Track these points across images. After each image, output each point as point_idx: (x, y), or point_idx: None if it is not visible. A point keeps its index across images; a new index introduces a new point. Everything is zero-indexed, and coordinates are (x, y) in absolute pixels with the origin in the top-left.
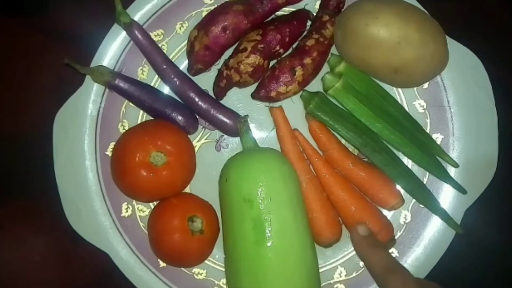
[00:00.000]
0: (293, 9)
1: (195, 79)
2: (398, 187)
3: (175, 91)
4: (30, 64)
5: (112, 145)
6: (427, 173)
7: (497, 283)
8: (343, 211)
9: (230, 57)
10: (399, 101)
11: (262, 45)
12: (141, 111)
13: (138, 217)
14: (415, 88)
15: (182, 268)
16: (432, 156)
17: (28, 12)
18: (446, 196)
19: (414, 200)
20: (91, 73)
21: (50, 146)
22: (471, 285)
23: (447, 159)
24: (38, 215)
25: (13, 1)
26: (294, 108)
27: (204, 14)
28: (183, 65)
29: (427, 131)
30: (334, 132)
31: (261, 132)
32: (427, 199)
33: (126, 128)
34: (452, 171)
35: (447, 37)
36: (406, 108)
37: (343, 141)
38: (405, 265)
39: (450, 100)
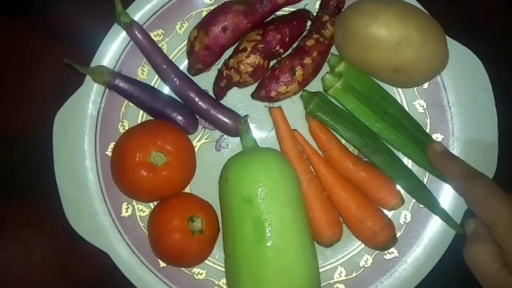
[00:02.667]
0: (293, 9)
1: (195, 79)
2: (398, 187)
3: (175, 91)
4: (30, 64)
5: (112, 145)
6: (427, 173)
7: None
8: (344, 210)
9: (230, 57)
10: (399, 101)
11: (262, 45)
12: (141, 111)
13: (138, 217)
14: (415, 88)
15: (182, 268)
16: None
17: (28, 12)
18: (446, 196)
19: (414, 200)
20: (91, 73)
21: (50, 146)
22: (471, 285)
23: None
24: (38, 215)
25: (13, 1)
26: (294, 108)
27: (204, 14)
28: (183, 65)
29: (427, 131)
30: (334, 132)
31: (261, 132)
32: (427, 199)
33: (126, 128)
34: None
35: (447, 37)
36: (406, 108)
37: (343, 141)
38: (405, 265)
39: (450, 100)
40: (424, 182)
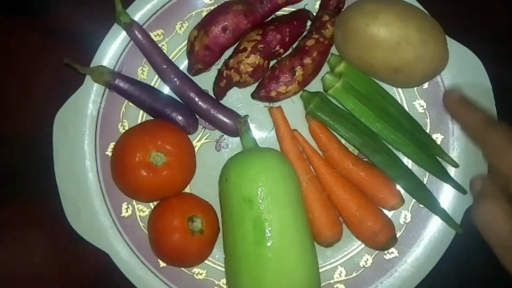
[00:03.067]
0: (293, 9)
1: (195, 79)
2: (398, 187)
3: (175, 91)
4: (30, 64)
5: (112, 145)
6: (427, 173)
7: (497, 283)
8: (344, 210)
9: (230, 57)
10: (399, 101)
11: (262, 45)
12: (141, 111)
13: (138, 217)
14: (415, 88)
15: (182, 268)
16: (432, 156)
17: (28, 12)
18: (446, 196)
19: (414, 200)
20: (91, 73)
21: (50, 146)
22: (471, 285)
23: (447, 159)
24: (38, 215)
25: (13, 1)
26: (294, 108)
27: (204, 14)
28: (183, 65)
29: (427, 131)
30: (334, 132)
31: (261, 132)
32: (427, 199)
33: (126, 128)
34: (452, 171)
35: (447, 37)
36: (406, 108)
37: (343, 141)
38: (405, 265)
39: None
40: (424, 182)
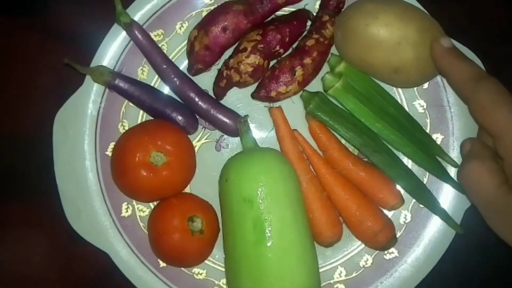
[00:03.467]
0: (293, 9)
1: (195, 79)
2: (398, 187)
3: (175, 91)
4: (30, 64)
5: (112, 145)
6: (427, 173)
7: (497, 283)
8: (344, 210)
9: (230, 57)
10: (399, 101)
11: (262, 45)
12: (141, 111)
13: (138, 217)
14: (415, 88)
15: (182, 268)
16: (432, 156)
17: (28, 12)
18: (446, 196)
19: (414, 200)
20: (91, 73)
21: (50, 146)
22: (471, 284)
23: (447, 159)
24: (38, 215)
25: (13, 1)
26: (294, 108)
27: (204, 14)
28: (183, 65)
29: (427, 131)
30: (334, 132)
31: (261, 132)
32: (427, 199)
33: (126, 128)
34: (452, 171)
35: None
36: (406, 108)
37: (343, 141)
38: (405, 265)
39: (450, 100)
40: (424, 182)
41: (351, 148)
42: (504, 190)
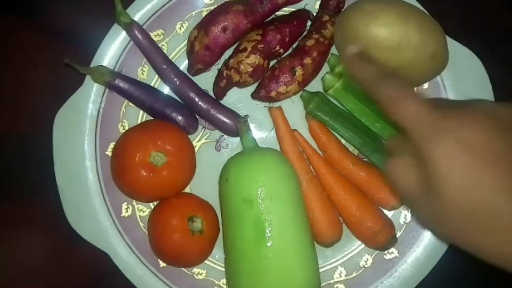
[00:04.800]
0: (293, 9)
1: (195, 79)
2: None
3: (175, 91)
4: (30, 64)
5: (112, 145)
6: None
7: (497, 282)
8: (344, 210)
9: (230, 57)
10: None
11: (262, 45)
12: (141, 111)
13: (138, 217)
14: (415, 88)
15: (182, 268)
16: None
17: (28, 12)
18: None
19: None
20: (91, 73)
21: (50, 146)
22: (472, 284)
23: None
24: (38, 215)
25: (12, 0)
26: (294, 108)
27: (204, 14)
28: (183, 65)
29: None
30: (334, 132)
31: (261, 132)
32: None
33: (126, 128)
34: None
35: (447, 37)
36: None
37: (343, 141)
38: (405, 265)
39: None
40: None
41: (351, 148)
42: (423, 189)
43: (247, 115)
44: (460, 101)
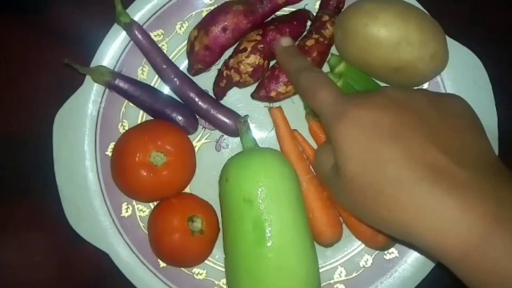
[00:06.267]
0: (293, 9)
1: (195, 79)
2: None
3: (175, 91)
4: (30, 64)
5: (112, 145)
6: None
7: None
8: (344, 210)
9: (230, 57)
10: None
11: (262, 45)
12: (141, 111)
13: (138, 217)
14: (415, 88)
15: (182, 268)
16: None
17: (28, 11)
18: None
19: None
20: (91, 73)
21: (50, 146)
22: None
23: None
24: (38, 215)
25: (12, 0)
26: (294, 108)
27: (204, 14)
28: (183, 65)
29: None
30: None
31: (261, 132)
32: None
33: (126, 128)
34: None
35: (447, 37)
36: None
37: None
38: (405, 265)
39: None
40: None
41: None
42: (333, 171)
43: (247, 115)
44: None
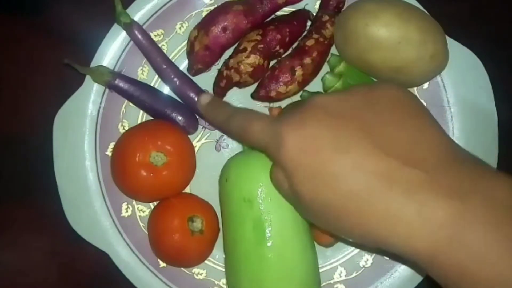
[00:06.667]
0: (293, 9)
1: (195, 79)
2: None
3: (175, 91)
4: (30, 64)
5: (112, 145)
6: None
7: None
8: None
9: (230, 57)
10: None
11: (262, 45)
12: (141, 111)
13: (138, 217)
14: (415, 88)
15: (182, 268)
16: None
17: (27, 11)
18: None
19: None
20: (91, 73)
21: (50, 146)
22: None
23: None
24: (38, 215)
25: (12, 0)
26: None
27: (204, 14)
28: (183, 65)
29: None
30: None
31: None
32: None
33: (126, 128)
34: None
35: (447, 37)
36: None
37: None
38: (405, 265)
39: (450, 100)
40: None
41: None
42: (291, 191)
43: None
44: (300, 100)
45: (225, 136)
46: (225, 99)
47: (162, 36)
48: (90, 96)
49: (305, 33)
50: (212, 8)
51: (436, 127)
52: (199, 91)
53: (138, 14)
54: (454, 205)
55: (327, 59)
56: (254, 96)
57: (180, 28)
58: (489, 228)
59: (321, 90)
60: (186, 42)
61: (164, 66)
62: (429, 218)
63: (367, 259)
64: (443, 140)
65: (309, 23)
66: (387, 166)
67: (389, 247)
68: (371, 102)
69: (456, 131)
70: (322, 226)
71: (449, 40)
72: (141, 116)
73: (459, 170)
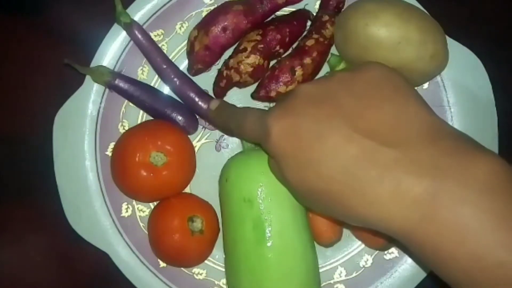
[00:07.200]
0: (293, 9)
1: (195, 79)
2: None
3: (175, 91)
4: (30, 64)
5: (112, 145)
6: None
7: None
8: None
9: (230, 57)
10: None
11: (262, 45)
12: (141, 111)
13: (138, 217)
14: (415, 88)
15: (182, 268)
16: None
17: (28, 11)
18: None
19: None
20: (91, 73)
21: (50, 146)
22: None
23: None
24: (38, 215)
25: (12, 0)
26: None
27: (204, 14)
28: (183, 65)
29: None
30: None
31: None
32: None
33: (126, 128)
34: None
35: (447, 37)
36: None
37: None
38: (405, 265)
39: (450, 100)
40: None
41: None
42: (281, 177)
43: None
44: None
45: (225, 136)
46: (225, 99)
47: (162, 36)
48: (90, 96)
49: (305, 33)
50: (212, 8)
51: (419, 104)
52: (199, 91)
53: (138, 14)
54: (428, 183)
55: (327, 59)
56: (254, 96)
57: (180, 28)
58: (463, 206)
59: None
60: (186, 42)
61: (164, 66)
62: (402, 196)
63: (367, 259)
64: (426, 117)
65: (309, 23)
66: (365, 149)
67: (373, 227)
68: (352, 86)
69: None
70: (317, 210)
71: (449, 40)
72: (141, 116)
73: (439, 147)
